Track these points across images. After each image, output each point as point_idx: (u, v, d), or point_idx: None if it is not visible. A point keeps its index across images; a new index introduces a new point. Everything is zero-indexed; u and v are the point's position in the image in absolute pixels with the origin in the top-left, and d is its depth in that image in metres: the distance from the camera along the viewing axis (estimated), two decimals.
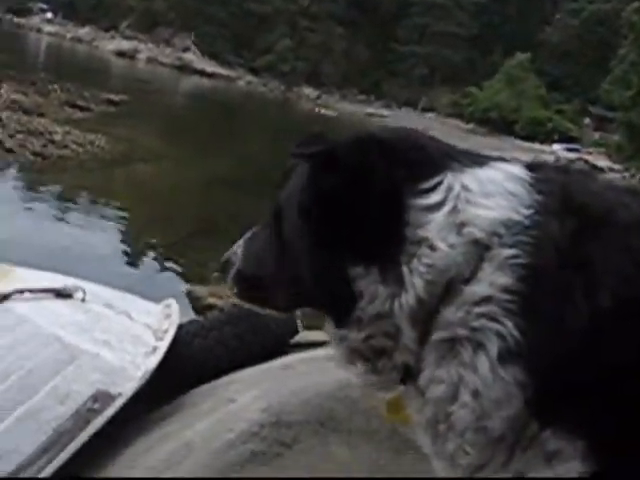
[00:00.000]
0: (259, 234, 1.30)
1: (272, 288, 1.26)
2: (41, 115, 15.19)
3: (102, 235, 9.93)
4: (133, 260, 9.40)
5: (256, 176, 13.41)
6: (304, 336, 3.21)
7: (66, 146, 13.27)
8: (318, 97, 57.74)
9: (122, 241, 10.02)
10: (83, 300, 2.67)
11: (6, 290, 2.57)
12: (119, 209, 10.95)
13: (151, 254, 9.64)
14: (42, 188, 11.33)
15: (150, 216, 11.28)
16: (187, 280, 8.70)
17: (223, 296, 7.78)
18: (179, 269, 9.15)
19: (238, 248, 1.31)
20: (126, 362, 2.39)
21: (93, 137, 14.31)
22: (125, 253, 9.61)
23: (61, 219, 10.21)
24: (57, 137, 13.60)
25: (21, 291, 2.59)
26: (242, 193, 12.33)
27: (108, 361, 2.36)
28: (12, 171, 11.85)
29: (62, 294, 2.66)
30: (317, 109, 48.36)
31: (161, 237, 10.17)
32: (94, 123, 15.90)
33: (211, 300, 7.76)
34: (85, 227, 10.06)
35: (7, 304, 2.53)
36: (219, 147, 15.62)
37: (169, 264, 9.23)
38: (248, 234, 1.33)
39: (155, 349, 2.47)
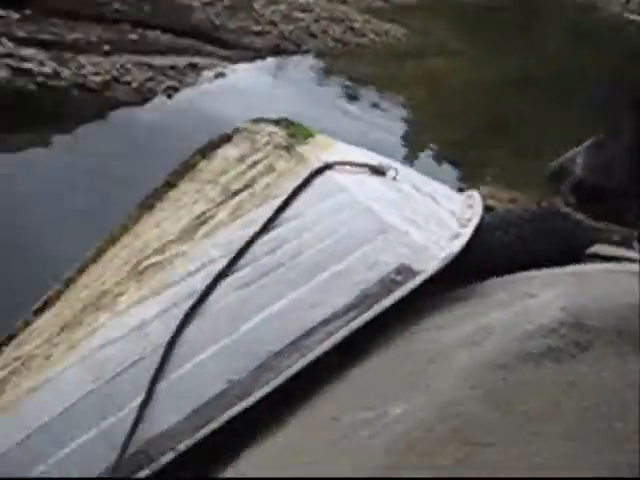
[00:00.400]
0: (608, 143, 1.24)
1: (622, 200, 1.21)
2: (343, 2, 15.60)
3: (388, 125, 10.17)
4: (415, 154, 9.55)
5: (553, 78, 12.70)
6: (599, 249, 3.09)
7: (364, 35, 13.61)
8: (628, 1, 52.26)
9: (406, 134, 10.20)
10: (394, 179, 2.81)
11: (329, 160, 2.79)
12: (408, 101, 11.10)
13: (434, 149, 9.72)
14: (338, 73, 11.83)
15: (437, 111, 11.28)
16: (466, 179, 8.69)
17: (502, 199, 7.67)
18: (459, 167, 9.14)
19: (577, 156, 1.27)
20: (430, 242, 2.48)
21: (389, 27, 14.48)
22: (408, 146, 9.78)
23: (350, 106, 10.62)
24: (357, 25, 13.97)
25: (342, 163, 2.80)
26: (536, 94, 11.77)
27: (414, 239, 2.48)
28: (310, 55, 12.47)
29: (377, 170, 2.82)
30: (626, 14, 43.71)
31: (446, 133, 10.18)
32: (392, 13, 15.98)
33: (490, 202, 7.67)
34: (372, 116, 10.37)
35: (329, 172, 2.75)
36: (515, 46, 14.95)
37: (450, 161, 9.26)
38: (588, 142, 1.28)
39: (458, 235, 2.54)
